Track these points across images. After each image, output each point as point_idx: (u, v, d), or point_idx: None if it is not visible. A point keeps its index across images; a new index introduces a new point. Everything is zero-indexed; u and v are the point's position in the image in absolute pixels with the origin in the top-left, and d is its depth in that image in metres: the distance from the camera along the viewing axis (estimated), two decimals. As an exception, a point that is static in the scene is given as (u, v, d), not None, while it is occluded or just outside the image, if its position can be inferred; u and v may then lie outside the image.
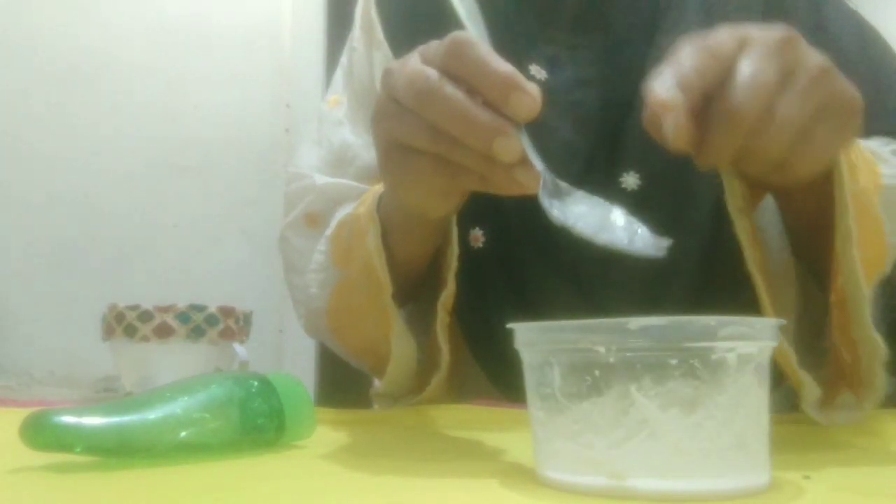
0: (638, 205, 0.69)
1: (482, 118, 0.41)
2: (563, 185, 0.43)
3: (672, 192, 0.69)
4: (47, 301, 1.98)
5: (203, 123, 2.11)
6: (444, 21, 0.77)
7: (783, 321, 0.35)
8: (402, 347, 0.62)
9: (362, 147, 0.78)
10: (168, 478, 0.39)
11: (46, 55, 2.05)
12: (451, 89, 0.42)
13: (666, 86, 0.42)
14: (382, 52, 0.79)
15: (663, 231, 0.68)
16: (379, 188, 0.60)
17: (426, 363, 0.66)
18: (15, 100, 2.04)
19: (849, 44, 0.74)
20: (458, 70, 0.42)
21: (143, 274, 2.00)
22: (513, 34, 0.74)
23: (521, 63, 0.71)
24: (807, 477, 0.36)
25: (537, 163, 0.43)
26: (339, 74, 0.86)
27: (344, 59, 0.86)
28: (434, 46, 0.45)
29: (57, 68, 2.06)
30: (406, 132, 0.45)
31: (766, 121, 0.42)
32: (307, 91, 2.13)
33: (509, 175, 0.43)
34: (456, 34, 0.43)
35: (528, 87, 0.41)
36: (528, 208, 0.73)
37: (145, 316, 0.55)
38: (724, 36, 0.45)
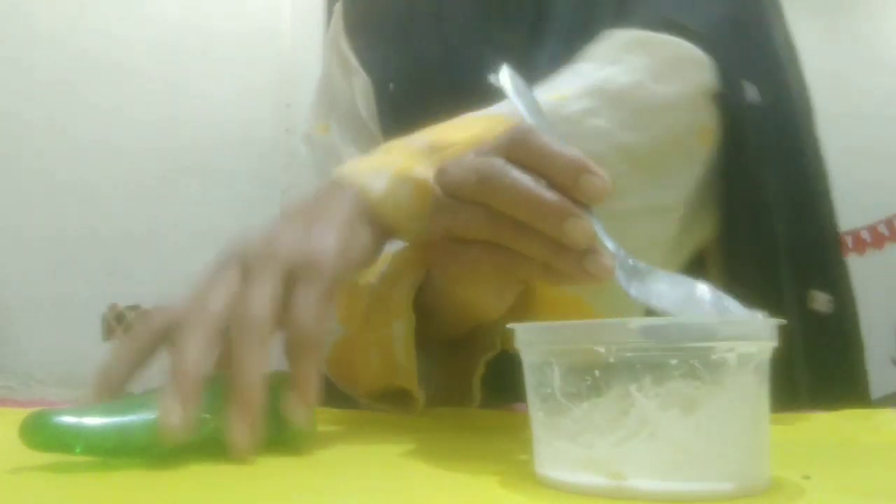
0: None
1: (552, 199, 0.40)
2: (642, 265, 0.41)
3: None
4: (47, 301, 1.98)
5: (204, 125, 2.11)
6: (414, 33, 0.79)
7: (783, 321, 0.35)
8: (415, 403, 0.62)
9: None
10: (168, 478, 0.39)
11: (47, 55, 2.06)
12: (516, 173, 0.41)
13: None
14: (359, 77, 0.82)
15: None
16: (416, 279, 0.59)
17: (435, 382, 0.67)
18: (15, 100, 2.04)
19: None
20: (523, 156, 0.42)
21: (143, 274, 2.00)
22: (471, 48, 0.76)
23: (483, 72, 0.73)
24: (807, 477, 0.36)
25: (610, 245, 0.41)
26: (321, 100, 0.88)
27: (322, 85, 0.88)
28: (491, 142, 0.44)
29: (58, 69, 2.06)
30: (464, 223, 0.44)
31: None
32: (307, 91, 2.12)
33: (579, 263, 0.41)
34: (518, 125, 0.43)
35: (597, 170, 0.40)
36: None
37: (145, 316, 0.55)
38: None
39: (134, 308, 0.53)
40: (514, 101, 0.46)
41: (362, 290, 0.66)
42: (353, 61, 0.82)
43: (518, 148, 0.42)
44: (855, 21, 2.62)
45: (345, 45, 0.83)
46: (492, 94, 0.73)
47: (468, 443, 0.52)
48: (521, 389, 0.37)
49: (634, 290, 0.40)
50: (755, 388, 0.33)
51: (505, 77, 0.47)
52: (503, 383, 0.71)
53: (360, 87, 0.81)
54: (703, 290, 0.40)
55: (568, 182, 0.41)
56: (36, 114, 2.04)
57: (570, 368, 0.33)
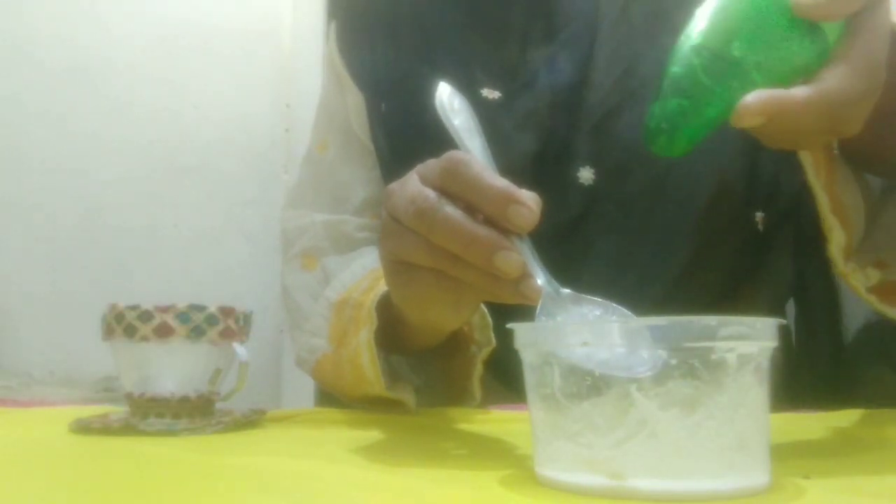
0: (594, 197, 0.71)
1: (482, 234, 0.42)
2: (566, 292, 0.43)
3: (625, 183, 0.71)
4: (47, 301, 1.98)
5: (203, 123, 2.11)
6: (403, 52, 0.80)
7: (784, 321, 0.35)
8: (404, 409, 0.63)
9: (354, 182, 0.82)
10: (170, 474, 0.39)
11: (46, 55, 2.05)
12: (450, 208, 0.43)
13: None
14: (352, 93, 0.83)
15: (620, 218, 0.71)
16: (384, 289, 0.60)
17: (431, 383, 0.67)
18: (15, 100, 2.04)
19: None
20: (456, 188, 0.43)
21: (143, 274, 2.00)
22: (463, 61, 0.77)
23: (473, 88, 0.74)
24: (807, 477, 0.36)
25: (539, 275, 0.42)
26: (320, 116, 0.90)
27: (321, 103, 0.90)
28: (431, 166, 0.45)
29: (57, 68, 2.05)
30: (408, 250, 0.45)
31: None
32: (307, 91, 2.12)
33: (514, 288, 0.43)
34: (451, 153, 0.44)
35: (525, 199, 0.41)
36: None
37: (145, 316, 0.55)
38: None
39: (134, 308, 0.53)
40: (449, 121, 0.47)
41: (347, 304, 0.67)
42: (347, 78, 0.83)
43: (450, 179, 0.43)
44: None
45: (338, 63, 0.85)
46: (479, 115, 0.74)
47: (468, 443, 0.52)
48: (522, 389, 0.37)
49: (560, 319, 0.41)
50: (755, 388, 0.33)
51: (442, 95, 0.48)
52: (505, 382, 0.71)
53: (353, 104, 0.83)
54: (616, 326, 0.40)
55: (497, 213, 0.42)
56: (34, 113, 2.04)
57: (570, 368, 0.33)
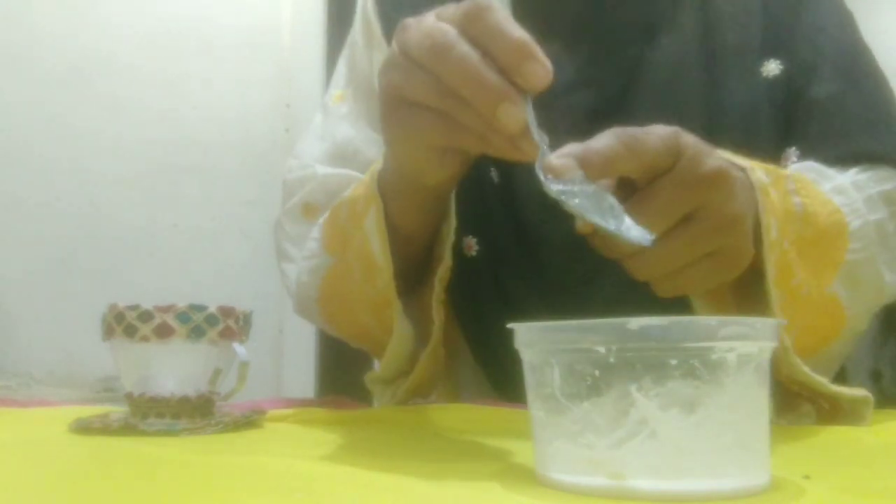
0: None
1: (492, 81, 0.41)
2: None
3: None
4: (47, 301, 1.98)
5: (203, 124, 2.11)
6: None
7: (784, 321, 0.35)
8: (401, 329, 0.62)
9: (364, 141, 0.79)
10: (170, 472, 0.39)
11: (46, 56, 2.05)
12: (465, 48, 0.42)
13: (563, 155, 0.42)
14: (381, 52, 0.80)
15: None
16: (377, 166, 0.60)
17: (420, 347, 0.66)
18: (15, 100, 2.04)
19: (835, 41, 0.75)
20: (475, 32, 0.42)
21: (143, 274, 2.00)
22: None
23: None
24: (807, 477, 0.36)
25: (538, 137, 0.42)
26: (341, 67, 0.86)
27: (346, 52, 0.86)
28: (452, 8, 0.44)
29: (57, 69, 2.05)
30: (413, 86, 0.45)
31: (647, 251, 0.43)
32: (307, 91, 2.13)
33: (511, 142, 0.42)
34: None
35: (541, 57, 0.41)
36: (519, 221, 0.74)
37: (145, 316, 0.55)
38: (657, 137, 0.45)
39: (134, 308, 0.53)
40: None
41: (339, 208, 0.66)
42: (378, 30, 0.81)
43: (472, 22, 0.42)
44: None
45: (373, 18, 0.82)
46: None
47: (468, 443, 0.52)
48: (522, 389, 0.37)
49: (552, 185, 0.41)
50: (755, 388, 0.33)
51: None
52: (506, 383, 0.71)
53: (379, 62, 0.80)
54: (611, 200, 0.41)
55: (512, 64, 0.41)
56: (35, 113, 2.04)
57: (570, 368, 0.33)
